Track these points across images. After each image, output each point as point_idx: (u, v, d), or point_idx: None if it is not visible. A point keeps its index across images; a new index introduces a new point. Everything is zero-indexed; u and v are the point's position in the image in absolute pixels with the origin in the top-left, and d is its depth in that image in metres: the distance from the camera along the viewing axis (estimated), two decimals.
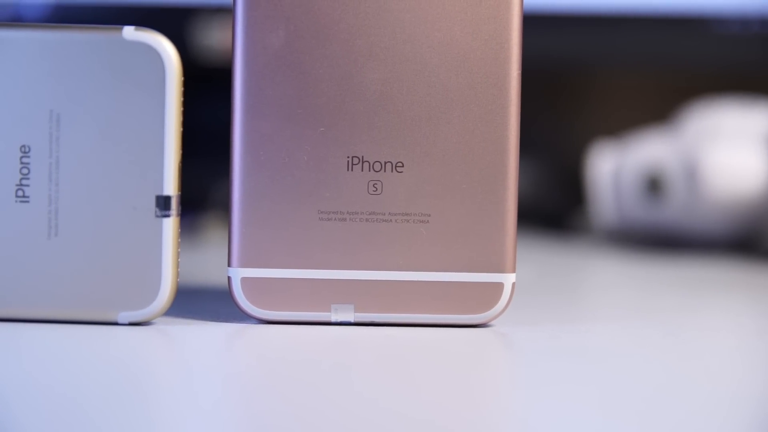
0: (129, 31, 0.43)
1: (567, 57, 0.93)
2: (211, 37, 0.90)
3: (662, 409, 0.35)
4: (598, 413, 0.35)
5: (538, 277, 0.63)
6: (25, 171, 0.43)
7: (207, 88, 0.80)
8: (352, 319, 0.45)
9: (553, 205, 0.93)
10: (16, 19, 0.89)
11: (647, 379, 0.39)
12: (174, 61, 0.43)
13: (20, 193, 0.43)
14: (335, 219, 0.45)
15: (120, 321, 0.44)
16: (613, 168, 0.81)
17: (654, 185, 0.78)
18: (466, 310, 0.45)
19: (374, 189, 0.45)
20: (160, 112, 0.43)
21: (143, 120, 0.43)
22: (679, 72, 0.97)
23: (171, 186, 0.43)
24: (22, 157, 0.43)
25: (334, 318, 0.45)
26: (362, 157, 0.45)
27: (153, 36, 0.43)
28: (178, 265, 0.44)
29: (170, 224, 0.43)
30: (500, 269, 0.45)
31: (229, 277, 0.45)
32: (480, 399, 0.37)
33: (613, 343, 0.45)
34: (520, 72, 0.45)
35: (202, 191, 0.85)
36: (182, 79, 0.43)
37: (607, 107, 1.01)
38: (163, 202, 0.43)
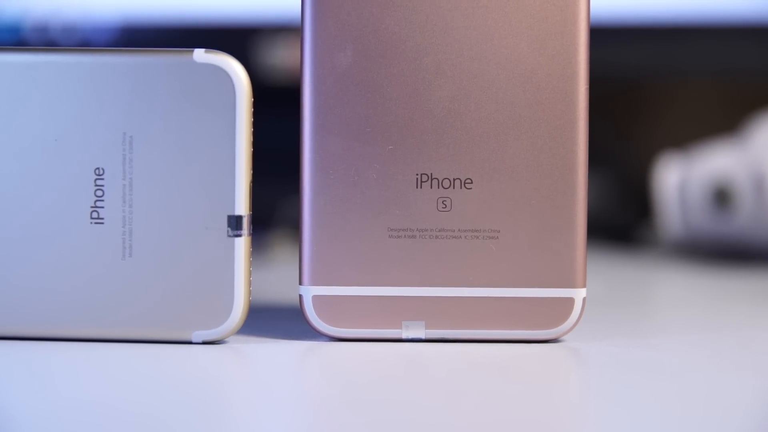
0: (199, 54, 0.44)
1: (632, 69, 0.93)
2: (274, 57, 0.91)
3: (740, 425, 0.34)
4: (676, 430, 0.35)
5: (607, 291, 0.63)
6: (99, 193, 0.44)
7: (270, 107, 0.81)
8: (423, 336, 0.45)
9: (620, 218, 0.92)
10: (85, 44, 0.90)
11: (724, 394, 0.39)
12: (244, 83, 0.44)
13: (95, 214, 0.44)
14: (405, 236, 0.45)
15: (194, 340, 0.44)
16: (680, 180, 0.80)
17: (721, 197, 0.77)
18: (537, 325, 0.45)
19: (443, 206, 0.45)
20: (230, 133, 0.44)
21: (214, 141, 0.44)
22: (745, 82, 0.96)
23: (242, 206, 0.44)
24: (96, 180, 0.44)
25: (405, 335, 0.45)
26: (431, 174, 0.45)
27: (223, 58, 0.44)
28: (250, 283, 0.44)
29: (242, 243, 0.44)
30: (571, 284, 0.45)
31: (300, 295, 0.45)
32: (554, 415, 0.37)
33: (686, 357, 0.45)
34: (587, 87, 0.45)
35: (268, 209, 0.86)
36: (252, 100, 0.44)
37: (673, 119, 1.01)
38: (234, 222, 0.44)
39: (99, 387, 0.39)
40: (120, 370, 0.41)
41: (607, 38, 0.88)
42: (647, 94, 1.02)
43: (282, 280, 0.61)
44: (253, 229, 0.44)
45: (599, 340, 0.47)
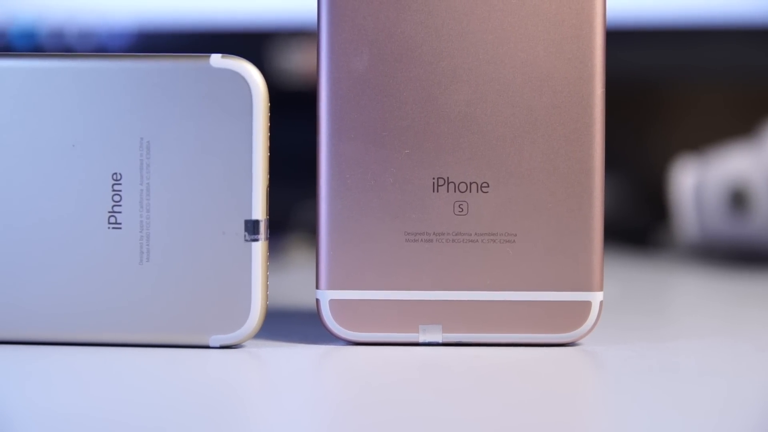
0: (216, 59, 0.44)
1: (647, 71, 0.92)
2: (288, 61, 0.91)
3: (758, 429, 0.34)
4: None
5: (624, 294, 0.63)
6: (117, 198, 0.44)
7: (285, 111, 0.81)
8: (440, 340, 0.45)
9: (636, 221, 0.92)
10: (101, 49, 0.90)
11: (741, 397, 0.39)
12: (261, 88, 0.44)
13: (112, 220, 0.44)
14: (422, 240, 0.45)
15: (212, 344, 0.44)
16: (696, 183, 0.80)
17: (738, 199, 0.77)
18: (554, 329, 0.45)
19: (460, 210, 0.45)
20: (247, 138, 0.44)
21: (231, 146, 0.44)
22: (762, 85, 0.96)
23: (259, 210, 0.44)
24: (114, 185, 0.44)
25: (422, 338, 0.45)
26: (447, 178, 0.45)
27: (240, 63, 0.44)
28: (267, 288, 0.44)
29: (259, 248, 0.44)
30: (587, 288, 0.45)
31: (317, 299, 0.45)
32: (571, 419, 0.37)
33: (704, 360, 0.45)
34: (603, 90, 0.45)
35: (283, 213, 0.86)
36: (269, 105, 0.44)
37: (689, 121, 1.00)
38: (251, 227, 0.44)
39: (117, 391, 0.39)
40: (138, 374, 0.41)
41: (623, 41, 0.88)
42: (663, 96, 1.01)
43: (298, 284, 0.61)
44: (269, 233, 0.45)
45: (616, 343, 0.47)
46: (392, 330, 0.45)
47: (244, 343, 0.45)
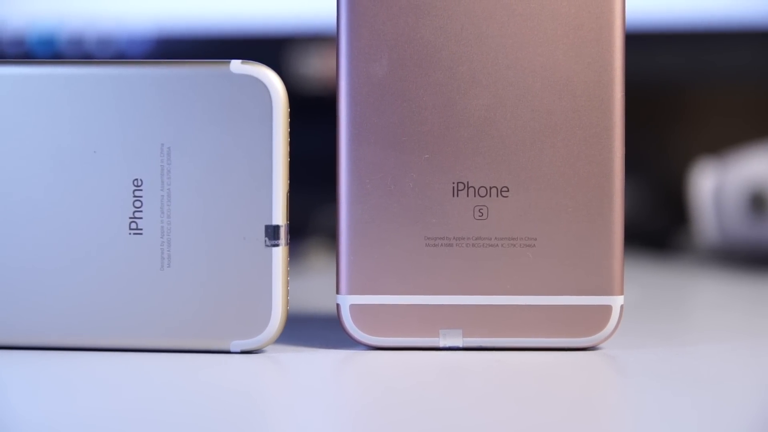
0: (236, 65, 0.44)
1: (666, 74, 0.92)
2: (307, 66, 0.91)
3: None
4: None
5: (644, 298, 0.63)
6: (138, 204, 0.44)
7: (303, 116, 0.81)
8: (460, 344, 0.45)
9: (656, 225, 0.92)
10: (121, 56, 0.91)
11: (762, 402, 0.39)
12: (281, 93, 0.44)
13: (134, 225, 0.44)
14: (442, 245, 0.45)
15: (232, 349, 0.44)
16: (716, 186, 0.80)
17: (758, 202, 0.77)
18: (575, 333, 0.45)
19: (480, 214, 0.45)
20: (267, 144, 0.44)
21: (251, 151, 0.44)
22: None
23: (279, 216, 0.44)
24: (135, 191, 0.44)
25: (442, 343, 0.45)
26: (467, 182, 0.45)
27: (260, 69, 0.44)
28: (288, 293, 0.45)
29: (279, 253, 0.44)
30: (608, 292, 0.45)
31: (338, 304, 0.45)
32: (592, 423, 0.37)
33: (725, 366, 0.45)
34: (623, 94, 0.45)
35: (303, 218, 0.86)
36: (288, 110, 0.44)
37: (708, 124, 1.00)
38: (272, 232, 0.44)
39: (137, 397, 0.39)
40: (159, 379, 0.41)
41: (642, 44, 0.88)
42: (682, 99, 1.01)
43: (318, 289, 0.61)
44: (289, 238, 0.45)
45: (637, 347, 0.47)
46: (413, 335, 0.45)
47: (264, 349, 0.45)
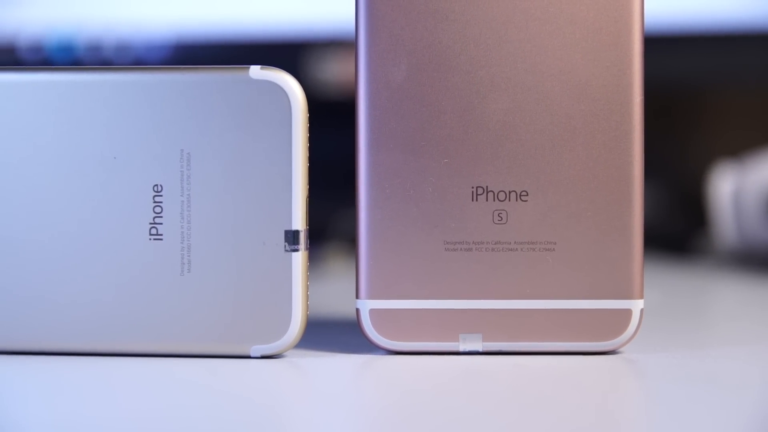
0: (255, 71, 0.44)
1: (685, 77, 0.92)
2: (325, 71, 0.92)
3: None
4: None
5: (663, 302, 0.63)
6: (158, 210, 0.44)
7: (322, 121, 0.81)
8: (480, 349, 0.45)
9: (675, 228, 0.92)
10: (139, 62, 0.91)
11: None
12: (300, 99, 0.44)
13: (154, 231, 0.44)
14: (461, 249, 0.45)
15: (252, 354, 0.44)
16: (734, 189, 0.80)
17: None
18: (595, 337, 0.45)
19: (499, 218, 0.45)
20: (287, 149, 0.44)
21: (271, 157, 0.44)
22: None
23: (299, 221, 0.44)
24: (155, 196, 0.44)
25: (462, 347, 0.45)
26: (487, 186, 0.45)
27: (279, 74, 0.44)
28: (307, 298, 0.45)
29: (299, 258, 0.44)
30: (628, 296, 0.45)
31: (357, 309, 0.45)
32: (612, 427, 0.37)
33: (746, 369, 0.45)
34: (642, 97, 0.45)
35: (322, 222, 0.86)
36: (308, 115, 0.44)
37: (728, 127, 1.00)
38: (291, 237, 0.44)
39: (158, 402, 0.39)
40: (179, 384, 0.42)
41: (661, 47, 0.88)
42: (701, 103, 1.01)
43: (338, 294, 0.61)
44: (308, 243, 0.45)
45: (657, 351, 0.47)
46: (432, 339, 0.45)
47: (284, 353, 0.45)
